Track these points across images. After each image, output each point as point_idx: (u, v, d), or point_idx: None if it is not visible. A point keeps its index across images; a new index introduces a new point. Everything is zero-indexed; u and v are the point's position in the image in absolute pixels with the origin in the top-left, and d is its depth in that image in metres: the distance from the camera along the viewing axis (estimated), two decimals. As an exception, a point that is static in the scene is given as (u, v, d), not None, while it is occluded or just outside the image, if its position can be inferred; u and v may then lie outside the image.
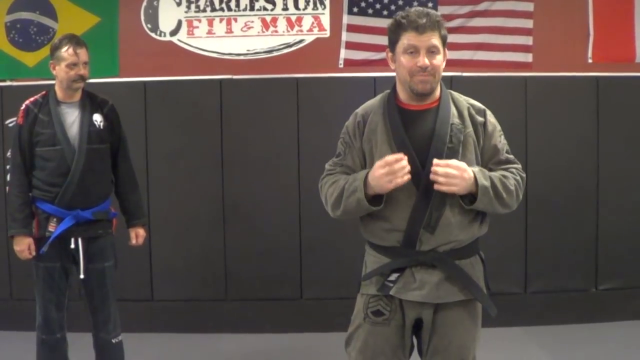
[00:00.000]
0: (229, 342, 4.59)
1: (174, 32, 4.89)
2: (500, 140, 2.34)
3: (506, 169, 2.31)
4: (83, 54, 3.37)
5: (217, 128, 4.72)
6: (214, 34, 4.87)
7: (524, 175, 2.33)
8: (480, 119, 2.33)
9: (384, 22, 4.80)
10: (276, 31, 4.86)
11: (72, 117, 3.41)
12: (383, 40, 4.78)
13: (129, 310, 4.16)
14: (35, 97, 3.46)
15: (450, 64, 4.77)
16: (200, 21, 4.86)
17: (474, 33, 4.83)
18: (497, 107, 4.66)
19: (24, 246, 3.35)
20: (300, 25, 4.85)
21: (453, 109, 2.32)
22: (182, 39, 4.89)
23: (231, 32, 4.86)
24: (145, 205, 3.90)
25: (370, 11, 4.82)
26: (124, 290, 3.84)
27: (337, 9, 4.86)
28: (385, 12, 4.81)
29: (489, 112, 2.37)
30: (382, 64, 4.80)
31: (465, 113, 2.33)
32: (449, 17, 4.79)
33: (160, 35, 4.91)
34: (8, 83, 4.94)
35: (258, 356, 4.38)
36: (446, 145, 2.25)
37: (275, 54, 4.88)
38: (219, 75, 4.77)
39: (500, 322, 4.67)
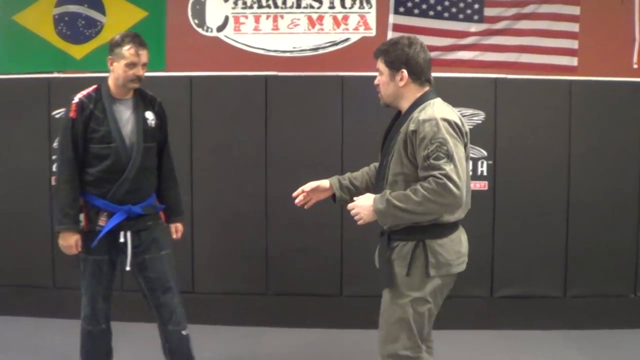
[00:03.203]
0: (268, 335, 4.95)
1: (220, 28, 5.25)
2: (429, 148, 2.74)
3: (425, 177, 2.73)
4: (144, 55, 3.55)
5: (262, 124, 5.08)
6: (260, 30, 5.22)
7: (441, 180, 2.69)
8: (412, 128, 2.81)
9: (430, 23, 5.16)
10: (322, 29, 5.20)
11: (125, 115, 3.59)
12: (429, 40, 5.17)
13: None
14: (88, 91, 3.59)
15: (495, 65, 5.18)
16: (247, 17, 5.22)
17: (520, 35, 5.13)
18: (541, 110, 5.04)
19: (72, 242, 3.52)
20: (346, 24, 5.19)
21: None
22: (228, 34, 5.24)
23: (277, 29, 5.21)
24: (182, 201, 4.06)
25: (416, 11, 5.14)
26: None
27: (384, 8, 5.18)
28: (431, 12, 5.13)
29: (428, 124, 2.77)
30: (427, 64, 5.14)
31: (406, 122, 2.86)
32: (495, 19, 5.11)
33: (207, 31, 5.27)
34: (55, 75, 5.33)
35: (296, 350, 4.71)
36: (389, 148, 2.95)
37: (320, 51, 5.22)
38: (264, 71, 5.12)
39: (539, 325, 5.03)
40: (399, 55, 2.89)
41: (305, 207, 3.35)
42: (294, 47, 5.23)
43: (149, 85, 5.09)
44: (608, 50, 5.16)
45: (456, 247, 2.95)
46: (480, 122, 5.02)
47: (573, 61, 5.16)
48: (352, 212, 2.92)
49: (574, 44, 5.15)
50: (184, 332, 3.74)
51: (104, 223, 3.55)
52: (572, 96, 5.02)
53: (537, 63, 5.16)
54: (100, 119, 3.51)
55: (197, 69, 5.13)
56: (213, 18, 5.25)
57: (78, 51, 5.34)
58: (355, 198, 2.97)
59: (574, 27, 5.14)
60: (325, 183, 3.28)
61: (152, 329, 3.87)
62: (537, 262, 5.08)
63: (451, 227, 2.93)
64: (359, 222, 2.92)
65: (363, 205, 2.87)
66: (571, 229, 5.07)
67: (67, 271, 5.26)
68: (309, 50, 5.22)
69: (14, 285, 5.36)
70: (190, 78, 5.08)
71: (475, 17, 5.14)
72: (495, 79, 5.03)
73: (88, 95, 3.56)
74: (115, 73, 3.54)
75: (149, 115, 3.67)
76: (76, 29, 5.32)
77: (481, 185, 5.05)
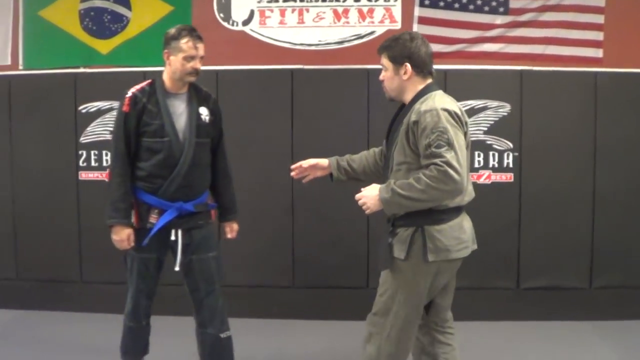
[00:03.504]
0: (294, 328, 5.04)
1: (246, 22, 5.29)
2: (430, 137, 2.88)
3: (427, 165, 2.87)
4: (202, 48, 3.53)
5: (288, 117, 5.15)
6: (286, 24, 5.27)
7: (442, 168, 2.83)
8: (413, 119, 2.96)
9: (455, 15, 5.20)
10: (347, 22, 5.25)
11: (179, 109, 3.56)
12: (454, 33, 5.21)
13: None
14: (142, 85, 3.58)
15: (521, 57, 5.22)
16: (272, 11, 5.27)
17: (545, 27, 5.15)
18: (567, 102, 5.07)
19: (124, 236, 3.50)
20: (371, 17, 5.23)
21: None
22: (254, 28, 5.29)
23: (303, 22, 5.26)
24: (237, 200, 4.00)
25: (441, 4, 5.18)
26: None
27: (409, 1, 5.21)
28: (456, 5, 5.17)
29: (429, 114, 2.91)
30: (452, 56, 5.20)
31: (409, 114, 3.02)
32: (520, 11, 5.14)
33: (232, 25, 5.31)
34: (82, 70, 5.39)
35: (320, 343, 4.77)
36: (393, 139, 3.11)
37: (346, 44, 5.25)
38: (290, 65, 5.19)
39: (565, 316, 5.08)
40: (401, 50, 3.06)
41: (303, 181, 3.52)
42: (319, 41, 5.27)
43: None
44: (633, 42, 5.17)
45: (455, 233, 3.04)
46: (506, 114, 5.07)
47: (598, 53, 5.17)
48: (360, 202, 3.05)
49: (599, 36, 5.17)
50: (222, 335, 3.69)
51: (155, 220, 3.53)
52: (597, 88, 5.07)
53: (563, 55, 5.18)
54: (154, 113, 3.49)
55: (223, 63, 5.16)
56: (238, 12, 5.28)
57: (104, 46, 5.39)
58: (362, 189, 3.08)
59: (599, 19, 5.15)
60: (324, 162, 3.44)
61: (184, 322, 3.95)
62: (563, 253, 5.13)
63: (451, 213, 3.03)
64: (366, 212, 3.04)
65: (369, 195, 3.01)
66: (597, 221, 5.12)
67: (94, 265, 5.38)
68: (335, 44, 5.27)
69: (41, 280, 5.45)
70: (216, 72, 5.11)
71: (501, 10, 5.17)
72: (521, 71, 5.09)
73: (142, 89, 3.54)
74: (173, 67, 3.51)
75: (203, 111, 3.64)
76: (102, 23, 5.36)
77: (507, 177, 5.09)
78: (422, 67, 3.09)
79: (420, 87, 3.09)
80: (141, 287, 3.63)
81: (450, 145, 2.85)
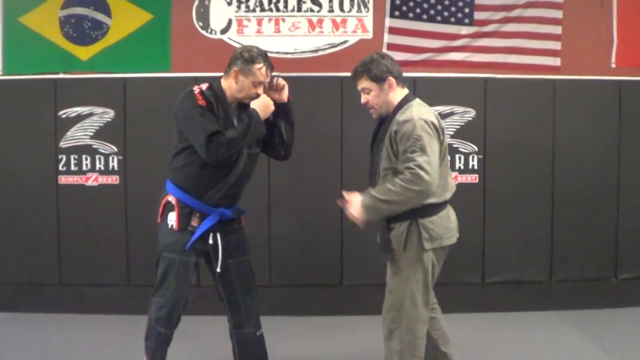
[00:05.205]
0: (277, 324, 5.19)
1: (224, 31, 5.58)
2: (406, 144, 3.25)
3: (402, 170, 3.23)
4: (270, 75, 3.67)
5: (266, 122, 5.43)
6: (263, 33, 5.58)
7: (414, 170, 3.19)
8: (394, 129, 3.34)
9: (424, 26, 5.61)
10: (322, 32, 5.59)
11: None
12: (423, 42, 5.62)
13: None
14: (202, 86, 3.60)
15: (484, 66, 5.66)
16: (249, 20, 5.57)
17: (507, 38, 5.60)
18: (527, 107, 5.51)
19: (266, 98, 3.63)
20: (344, 27, 5.58)
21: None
22: (232, 37, 5.58)
23: (279, 31, 5.58)
24: None
25: (410, 15, 5.57)
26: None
27: (380, 12, 5.60)
28: (424, 16, 5.57)
29: (407, 124, 3.28)
30: (421, 64, 5.59)
31: (391, 125, 3.38)
32: (484, 22, 5.58)
33: (211, 33, 5.60)
34: (62, 75, 5.59)
35: (304, 337, 5.06)
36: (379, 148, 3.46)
37: (320, 53, 5.59)
38: (267, 72, 5.48)
39: (528, 307, 5.47)
40: (380, 68, 3.44)
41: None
42: (295, 49, 5.59)
43: (155, 86, 5.39)
44: (588, 51, 5.67)
45: (445, 223, 3.44)
46: (471, 119, 5.48)
47: (556, 61, 5.64)
48: (347, 213, 3.41)
49: (557, 45, 5.63)
50: (258, 333, 3.92)
51: (196, 224, 3.63)
52: (555, 94, 5.53)
53: (523, 63, 5.62)
54: (219, 119, 3.55)
55: (202, 70, 5.39)
56: (217, 21, 5.57)
57: (84, 52, 5.59)
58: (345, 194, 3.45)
59: (557, 30, 5.62)
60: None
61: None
62: (525, 249, 5.55)
63: (439, 206, 3.41)
64: (361, 226, 3.40)
65: (355, 208, 3.35)
66: (556, 218, 5.57)
67: (73, 267, 5.57)
68: (310, 52, 5.59)
69: (21, 283, 5.61)
70: (195, 78, 5.29)
71: (466, 21, 5.59)
72: (485, 79, 5.52)
73: (207, 89, 3.60)
74: (239, 86, 3.60)
75: None
76: (82, 30, 5.56)
77: (472, 178, 5.50)
78: (401, 78, 3.50)
79: (401, 97, 3.47)
80: (180, 293, 3.66)
81: (423, 150, 3.21)
